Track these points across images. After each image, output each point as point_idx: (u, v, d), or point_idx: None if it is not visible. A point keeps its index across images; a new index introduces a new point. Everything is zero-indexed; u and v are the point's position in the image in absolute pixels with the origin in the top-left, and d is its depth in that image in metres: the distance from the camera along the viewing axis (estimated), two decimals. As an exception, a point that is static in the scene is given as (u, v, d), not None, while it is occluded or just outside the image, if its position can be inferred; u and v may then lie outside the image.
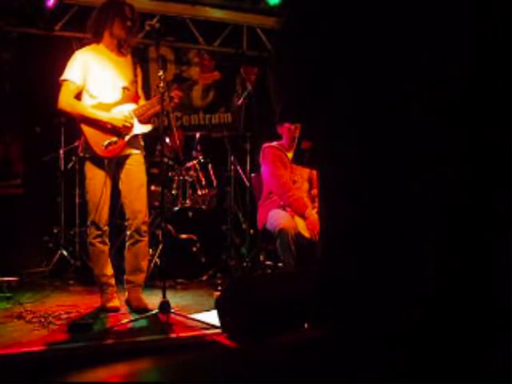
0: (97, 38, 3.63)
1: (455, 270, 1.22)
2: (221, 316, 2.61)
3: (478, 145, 1.21)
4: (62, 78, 3.53)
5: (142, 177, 3.67)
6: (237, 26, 6.51)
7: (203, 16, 6.30)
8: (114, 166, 3.62)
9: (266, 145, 4.46)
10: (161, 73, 3.39)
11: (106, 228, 3.62)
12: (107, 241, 3.66)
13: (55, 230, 5.23)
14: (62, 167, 5.12)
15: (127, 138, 3.58)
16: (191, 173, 5.23)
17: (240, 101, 5.20)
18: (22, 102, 5.53)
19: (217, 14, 6.33)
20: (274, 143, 4.45)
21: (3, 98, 5.50)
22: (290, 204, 4.17)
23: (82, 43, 4.39)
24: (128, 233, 3.65)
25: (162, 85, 3.35)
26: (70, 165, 5.15)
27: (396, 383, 1.21)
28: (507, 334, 1.19)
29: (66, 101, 3.51)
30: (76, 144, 5.05)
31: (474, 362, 1.21)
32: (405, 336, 1.24)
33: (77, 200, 5.03)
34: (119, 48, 3.66)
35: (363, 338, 1.26)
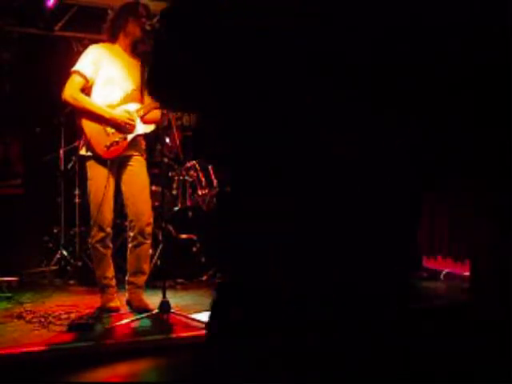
0: (112, 39, 3.62)
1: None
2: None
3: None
4: (73, 69, 3.53)
5: (144, 178, 3.66)
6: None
7: (203, 16, 6.29)
8: (116, 166, 3.60)
9: None
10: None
11: (109, 230, 3.60)
12: (110, 244, 3.64)
13: (55, 230, 5.22)
14: (62, 167, 5.12)
15: (130, 138, 3.56)
16: (191, 173, 5.23)
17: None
18: (22, 102, 5.53)
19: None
20: None
21: (3, 98, 5.50)
22: None
23: (82, 43, 4.39)
24: (131, 234, 3.64)
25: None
26: (70, 165, 5.15)
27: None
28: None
29: (69, 93, 3.50)
30: (76, 144, 5.06)
31: (474, 361, 1.21)
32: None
33: (77, 200, 5.03)
34: (133, 49, 3.65)
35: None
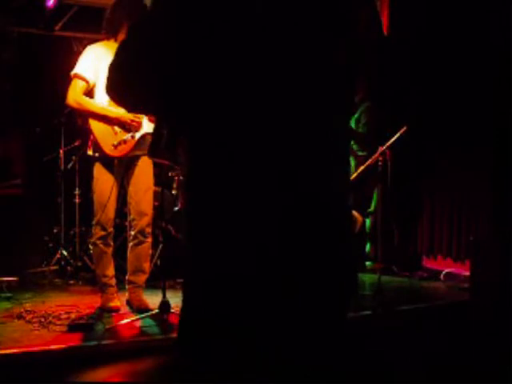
0: (112, 35, 3.55)
1: None
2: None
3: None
4: (73, 72, 3.51)
5: (149, 179, 3.66)
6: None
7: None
8: (123, 167, 3.60)
9: None
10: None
11: (111, 229, 3.61)
12: (111, 242, 3.65)
13: (55, 230, 5.22)
14: (62, 167, 5.12)
15: (137, 136, 3.54)
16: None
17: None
18: (22, 102, 5.53)
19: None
20: None
21: (3, 97, 5.50)
22: None
23: (82, 43, 4.38)
24: (132, 233, 3.64)
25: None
26: (70, 165, 5.14)
27: None
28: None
29: (73, 98, 3.49)
30: (76, 144, 5.06)
31: (474, 361, 1.21)
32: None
33: (77, 200, 5.03)
34: None
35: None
